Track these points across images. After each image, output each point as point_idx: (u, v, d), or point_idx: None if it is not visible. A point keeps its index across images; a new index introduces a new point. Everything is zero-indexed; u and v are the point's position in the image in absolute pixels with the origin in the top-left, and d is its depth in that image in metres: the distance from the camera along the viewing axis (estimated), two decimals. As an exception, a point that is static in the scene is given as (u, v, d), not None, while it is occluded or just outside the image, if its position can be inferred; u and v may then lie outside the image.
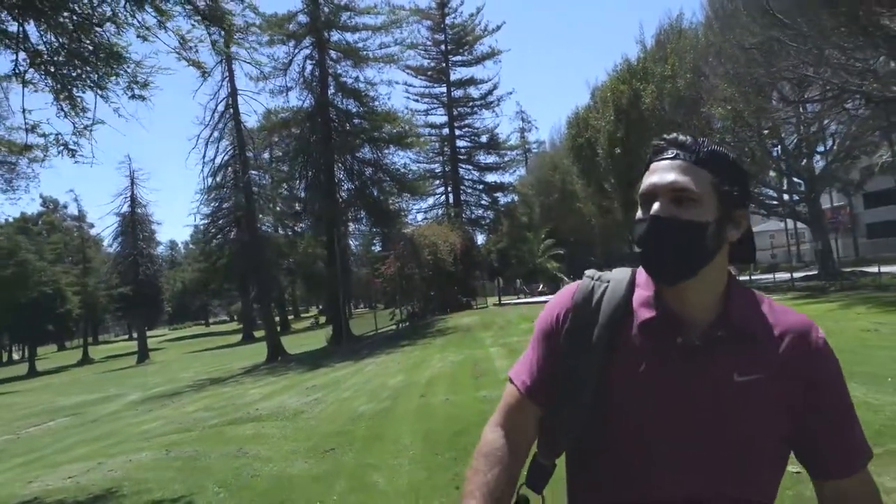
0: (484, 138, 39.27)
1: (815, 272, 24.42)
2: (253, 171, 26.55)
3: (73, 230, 57.74)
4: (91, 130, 6.82)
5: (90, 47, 6.46)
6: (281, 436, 7.56)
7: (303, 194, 26.71)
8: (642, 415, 1.06)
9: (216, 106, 25.27)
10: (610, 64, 55.80)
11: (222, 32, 6.46)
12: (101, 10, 6.08)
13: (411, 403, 8.22)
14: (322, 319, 52.27)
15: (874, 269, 19.99)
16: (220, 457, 6.74)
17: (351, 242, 33.40)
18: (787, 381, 1.04)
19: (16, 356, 70.70)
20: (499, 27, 37.12)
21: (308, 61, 24.24)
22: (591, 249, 40.85)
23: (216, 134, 26.36)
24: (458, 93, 38.52)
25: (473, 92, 38.55)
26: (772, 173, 25.82)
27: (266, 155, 28.43)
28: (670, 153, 1.07)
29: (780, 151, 23.81)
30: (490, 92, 38.54)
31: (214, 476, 5.87)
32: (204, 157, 26.39)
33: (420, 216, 36.29)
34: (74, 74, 6.63)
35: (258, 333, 51.03)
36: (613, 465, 1.10)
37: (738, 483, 1.04)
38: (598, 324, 1.13)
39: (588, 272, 1.24)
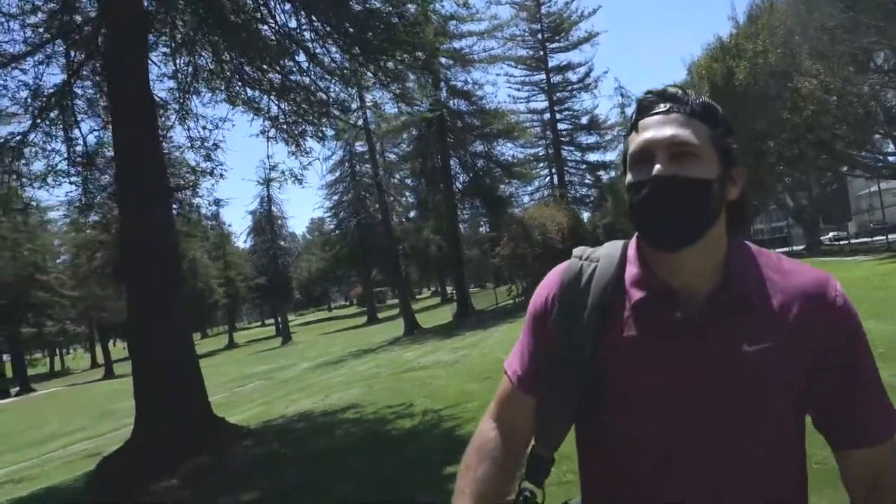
0: (584, 120, 41.10)
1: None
2: (381, 171, 30.04)
3: (208, 227, 64.59)
4: (311, 166, 9.98)
5: (311, 111, 9.54)
6: (448, 375, 10.47)
7: (423, 187, 29.92)
8: (644, 399, 1.01)
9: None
10: (706, 36, 55.60)
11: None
12: (322, 84, 9.07)
13: (540, 351, 10.92)
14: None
15: None
16: (412, 387, 9.73)
17: (461, 226, 36.47)
18: (804, 344, 0.96)
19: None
20: (594, 11, 38.62)
21: (422, 69, 27.32)
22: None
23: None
24: (556, 78, 40.45)
25: (571, 76, 40.40)
26: (877, 136, 26.30)
27: (390, 155, 31.79)
28: (662, 107, 0.98)
29: (881, 114, 24.26)
30: (587, 74, 40.23)
31: (416, 394, 8.84)
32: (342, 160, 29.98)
33: (527, 198, 38.66)
34: (300, 130, 9.76)
35: (381, 315, 55.35)
36: (621, 457, 1.05)
37: (763, 460, 0.98)
38: (588, 307, 1.06)
39: (576, 251, 1.16)
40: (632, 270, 1.06)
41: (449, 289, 60.29)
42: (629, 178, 1.00)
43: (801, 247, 32.11)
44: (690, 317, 0.98)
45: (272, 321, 70.39)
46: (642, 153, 0.98)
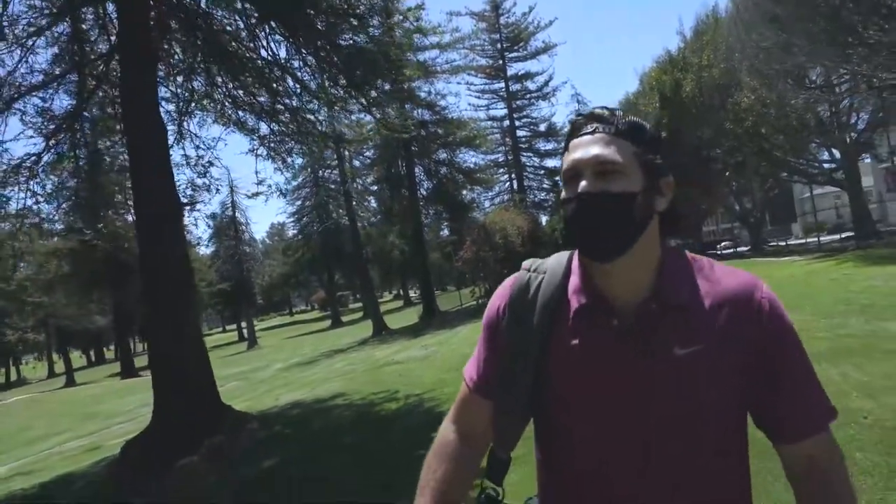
0: (542, 127, 42.75)
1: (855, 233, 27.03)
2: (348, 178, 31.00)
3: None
4: (295, 181, 10.96)
5: (295, 128, 10.52)
6: (422, 367, 11.52)
7: (387, 193, 31.04)
8: (586, 402, 1.07)
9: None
10: (657, 49, 58.47)
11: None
12: (310, 106, 10.07)
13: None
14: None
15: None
16: (390, 377, 10.78)
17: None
18: (734, 346, 1.02)
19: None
20: (550, 23, 40.23)
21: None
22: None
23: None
24: (515, 86, 41.90)
25: (530, 85, 41.93)
26: (812, 145, 28.39)
27: (355, 162, 32.73)
28: (590, 128, 1.06)
29: (813, 125, 26.29)
30: (546, 83, 41.86)
31: (396, 382, 9.90)
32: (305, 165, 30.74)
33: (487, 203, 40.01)
34: (286, 148, 10.74)
35: (344, 318, 55.96)
36: (567, 452, 1.12)
37: (703, 465, 1.03)
38: (535, 315, 1.14)
39: (525, 263, 1.24)
40: (574, 280, 1.14)
41: (412, 292, 61.35)
42: (563, 194, 1.09)
43: (746, 248, 34.18)
44: (625, 324, 1.05)
45: (233, 326, 70.06)
46: (572, 171, 1.06)
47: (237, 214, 51.95)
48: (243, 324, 57.19)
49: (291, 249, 59.13)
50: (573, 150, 1.07)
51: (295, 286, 74.36)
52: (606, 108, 1.10)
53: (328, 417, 8.21)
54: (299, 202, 54.57)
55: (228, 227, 52.47)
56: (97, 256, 27.44)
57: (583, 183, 1.03)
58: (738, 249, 34.57)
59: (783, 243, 30.95)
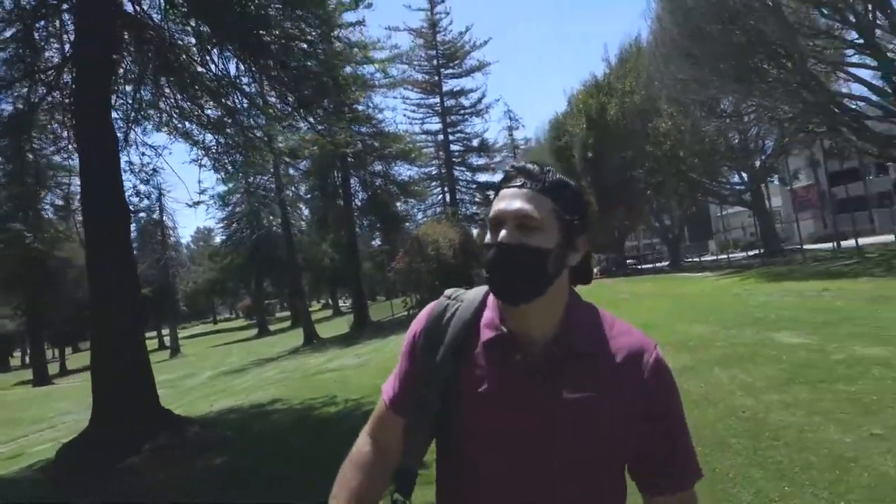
0: (475, 142, 44.06)
1: (762, 251, 29.16)
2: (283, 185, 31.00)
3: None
4: (235, 192, 11.21)
5: (241, 141, 10.81)
6: (357, 374, 11.94)
7: (320, 202, 31.27)
8: (485, 430, 1.12)
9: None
10: (585, 72, 61.19)
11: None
12: (258, 121, 10.40)
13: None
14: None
15: (824, 246, 24.52)
16: (327, 382, 11.15)
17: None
18: (622, 399, 1.09)
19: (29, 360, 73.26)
20: (485, 42, 41.90)
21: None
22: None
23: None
24: (450, 102, 43.09)
25: (464, 101, 43.28)
26: (724, 168, 30.51)
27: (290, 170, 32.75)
28: (518, 181, 1.12)
29: (724, 150, 28.33)
30: (479, 100, 43.25)
31: (334, 388, 10.29)
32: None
33: (420, 215, 40.76)
34: (231, 160, 11.01)
35: (273, 327, 55.08)
36: (474, 485, 1.15)
37: (579, 498, 1.09)
38: (445, 343, 1.19)
39: (447, 291, 1.31)
40: (487, 314, 1.20)
41: (341, 301, 61.11)
42: (486, 237, 1.13)
43: (665, 263, 36.14)
44: (533, 364, 1.10)
45: (153, 334, 67.62)
46: (495, 220, 1.11)
47: (164, 218, 50.60)
48: (164, 331, 55.40)
49: (219, 255, 57.71)
50: (500, 200, 1.12)
51: (221, 293, 72.56)
52: (538, 164, 1.15)
53: (268, 421, 8.54)
54: (229, 208, 53.54)
55: (154, 230, 50.98)
56: (17, 258, 26.31)
57: (503, 233, 1.08)
58: (658, 265, 36.48)
59: (698, 259, 32.95)
